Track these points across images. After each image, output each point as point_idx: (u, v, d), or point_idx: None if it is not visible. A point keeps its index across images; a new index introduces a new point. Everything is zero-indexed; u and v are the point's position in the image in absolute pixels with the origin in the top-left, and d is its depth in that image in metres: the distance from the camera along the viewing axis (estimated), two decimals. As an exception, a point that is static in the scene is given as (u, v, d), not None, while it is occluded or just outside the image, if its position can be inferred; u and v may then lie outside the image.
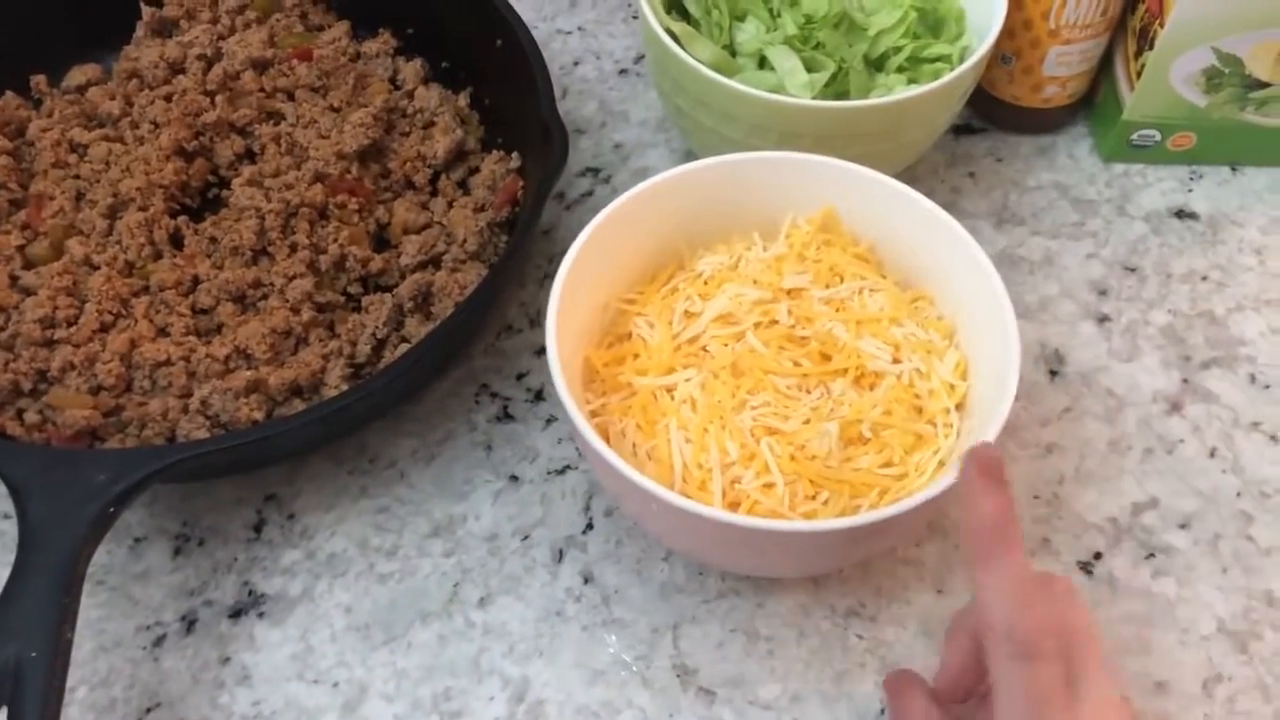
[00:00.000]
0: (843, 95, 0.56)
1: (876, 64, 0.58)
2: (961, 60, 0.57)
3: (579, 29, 0.69)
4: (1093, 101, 0.64)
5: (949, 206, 0.61)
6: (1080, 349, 0.56)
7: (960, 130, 0.64)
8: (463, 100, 0.61)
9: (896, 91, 0.55)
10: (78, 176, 0.57)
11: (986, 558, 0.36)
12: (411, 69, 0.62)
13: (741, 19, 0.58)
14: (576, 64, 0.67)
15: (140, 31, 0.63)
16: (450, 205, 0.57)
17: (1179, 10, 0.54)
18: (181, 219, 0.56)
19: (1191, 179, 0.63)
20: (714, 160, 0.50)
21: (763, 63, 0.57)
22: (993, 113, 0.64)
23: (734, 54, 0.57)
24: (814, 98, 0.55)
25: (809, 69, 0.55)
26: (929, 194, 0.59)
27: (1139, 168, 0.63)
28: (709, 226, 0.51)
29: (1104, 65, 0.62)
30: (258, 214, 0.55)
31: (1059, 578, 0.36)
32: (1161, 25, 0.56)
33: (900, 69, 0.57)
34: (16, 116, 0.59)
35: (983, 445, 0.38)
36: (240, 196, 0.56)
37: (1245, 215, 0.61)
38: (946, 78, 0.52)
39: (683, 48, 0.55)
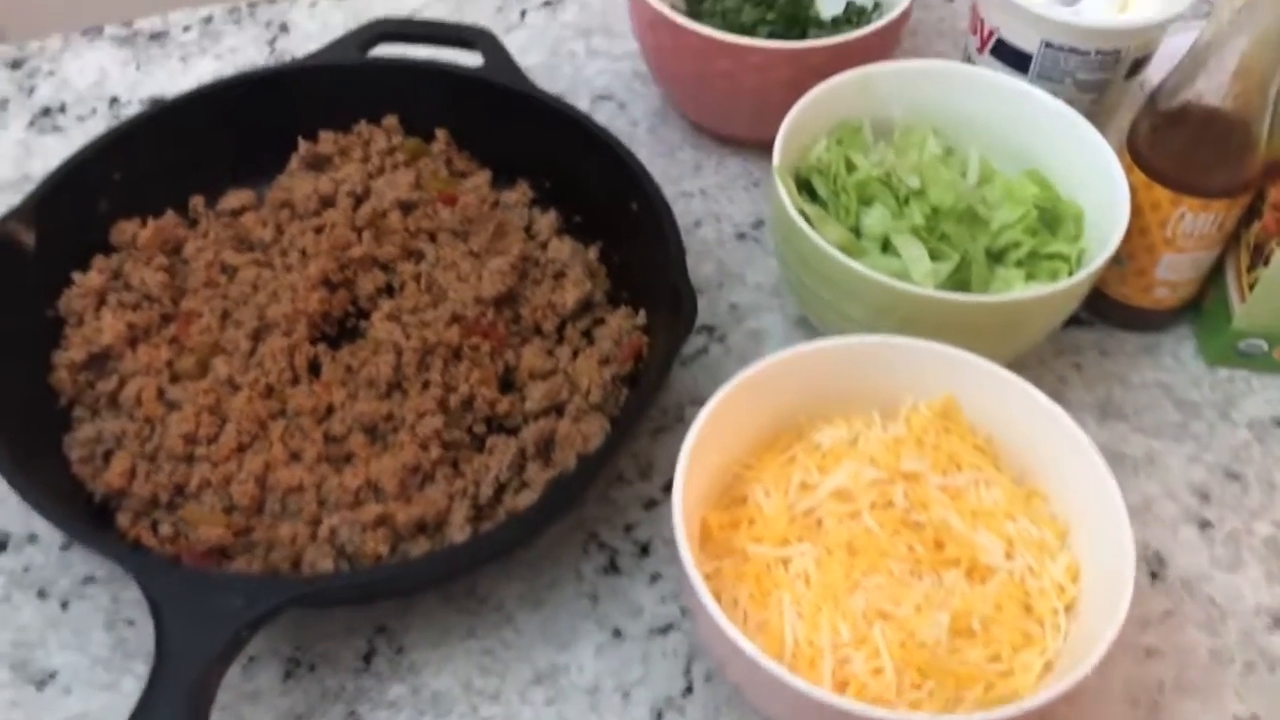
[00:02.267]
0: (963, 284, 0.58)
1: (996, 256, 0.60)
2: (1079, 261, 0.59)
3: (701, 192, 0.72)
4: (1200, 305, 0.65)
5: (1054, 396, 0.62)
6: (1182, 553, 0.57)
7: (1068, 321, 0.66)
8: (593, 254, 0.64)
9: (1016, 289, 0.57)
10: (226, 296, 0.60)
11: None
12: (547, 221, 0.65)
13: (869, 204, 0.60)
14: (698, 225, 0.70)
15: (294, 164, 0.67)
16: (575, 355, 0.60)
17: (1297, 233, 0.56)
18: (321, 346, 0.59)
19: (1296, 390, 0.64)
20: (839, 340, 0.52)
21: (885, 246, 0.59)
22: (1101, 307, 0.65)
23: (858, 236, 0.60)
24: (937, 285, 0.57)
25: (933, 258, 0.57)
26: (1035, 382, 0.61)
27: (1243, 374, 0.64)
28: (829, 401, 0.53)
29: (1215, 272, 0.64)
30: (396, 349, 0.57)
31: None
32: (1278, 244, 0.57)
33: (1019, 263, 0.60)
34: (175, 235, 0.63)
35: None
36: (379, 330, 0.59)
37: (1350, 432, 0.62)
38: (1065, 283, 0.54)
39: (812, 226, 0.57)
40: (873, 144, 0.63)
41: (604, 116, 0.76)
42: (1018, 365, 0.62)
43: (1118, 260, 0.62)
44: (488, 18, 0.82)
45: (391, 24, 0.69)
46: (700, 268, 0.68)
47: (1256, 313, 0.61)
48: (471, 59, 0.68)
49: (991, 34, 0.65)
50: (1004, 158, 0.64)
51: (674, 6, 0.76)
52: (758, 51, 0.65)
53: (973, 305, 0.54)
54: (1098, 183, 0.59)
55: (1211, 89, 0.55)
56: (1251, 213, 0.60)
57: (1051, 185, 0.62)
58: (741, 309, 0.66)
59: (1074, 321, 0.66)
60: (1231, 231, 0.61)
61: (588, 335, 0.61)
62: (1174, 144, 0.58)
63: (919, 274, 0.56)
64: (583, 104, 0.77)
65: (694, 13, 0.76)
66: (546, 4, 0.84)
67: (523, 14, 0.83)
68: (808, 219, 0.57)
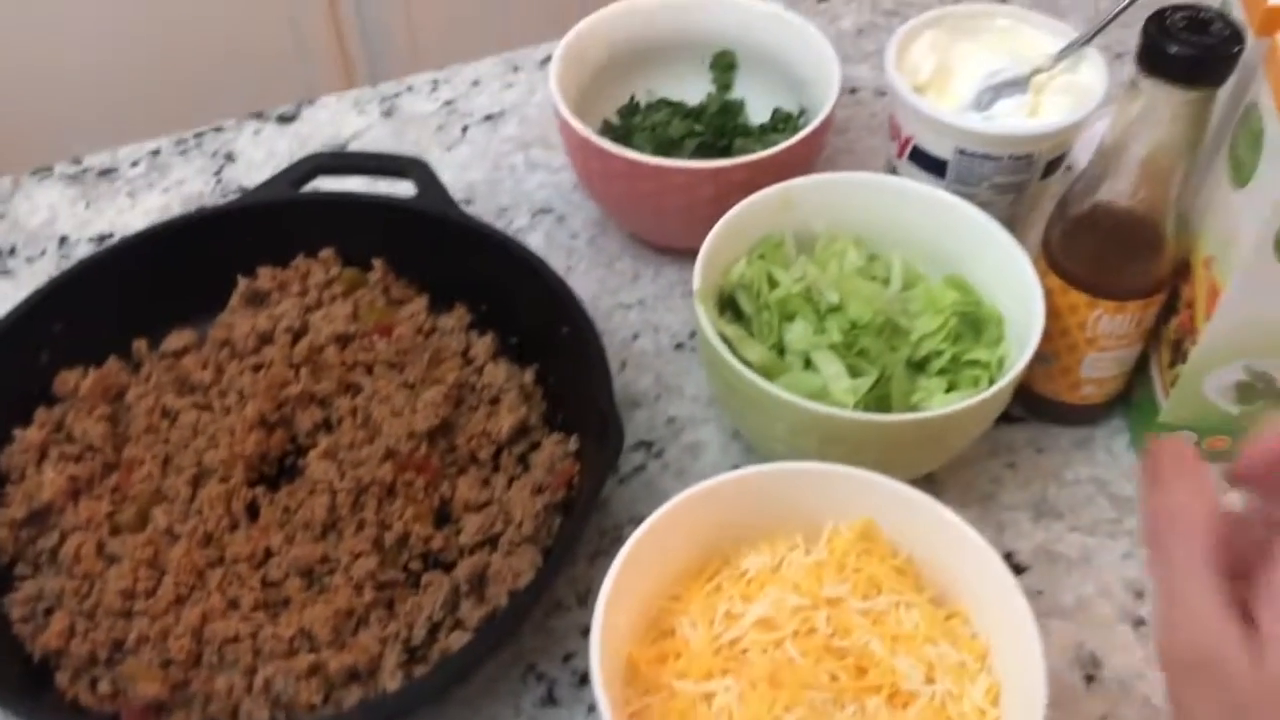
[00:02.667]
0: (884, 398, 0.59)
1: (918, 365, 0.61)
2: (1000, 365, 0.60)
3: (640, 303, 0.73)
4: (1130, 398, 0.66)
5: (989, 498, 0.63)
6: (1117, 653, 0.57)
7: (1001, 419, 0.67)
8: (528, 377, 0.65)
9: (936, 399, 0.58)
10: (167, 441, 0.62)
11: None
12: (483, 344, 0.66)
13: (791, 319, 0.61)
14: (635, 337, 0.72)
15: (235, 300, 0.68)
16: (510, 482, 0.61)
17: (1210, 334, 0.57)
18: (259, 489, 0.60)
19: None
20: (762, 468, 0.53)
21: (808, 362, 0.60)
22: (1033, 404, 0.66)
23: (783, 351, 0.61)
24: (857, 402, 0.58)
25: (852, 374, 0.58)
26: (969, 484, 0.61)
27: (1177, 464, 0.65)
28: (754, 527, 0.54)
29: (1140, 366, 0.64)
30: (330, 490, 0.58)
31: None
32: (1194, 343, 0.58)
33: (941, 371, 0.60)
34: (118, 382, 0.64)
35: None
36: (316, 470, 0.60)
37: None
38: (981, 395, 0.55)
39: (734, 349, 0.58)
40: (795, 257, 0.64)
41: (544, 229, 0.78)
42: (951, 467, 0.64)
43: (1043, 360, 0.63)
44: (430, 135, 0.84)
45: (325, 158, 0.71)
46: (639, 381, 0.69)
47: (1180, 408, 0.61)
48: (406, 187, 0.70)
49: (908, 141, 0.67)
50: (927, 263, 0.65)
51: (607, 121, 0.78)
52: (681, 172, 0.66)
53: (888, 424, 0.55)
54: (1014, 287, 0.61)
55: (1116, 193, 0.57)
56: (1169, 309, 0.61)
57: (973, 290, 0.63)
58: (679, 421, 0.67)
59: (1006, 419, 0.67)
60: (1151, 328, 0.62)
61: (523, 460, 0.62)
62: (1085, 248, 0.59)
63: (838, 391, 0.57)
64: (523, 218, 0.78)
65: (626, 127, 0.78)
66: (487, 118, 0.86)
67: (464, 130, 0.85)
68: (729, 341, 0.59)
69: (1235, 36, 0.50)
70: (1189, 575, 0.35)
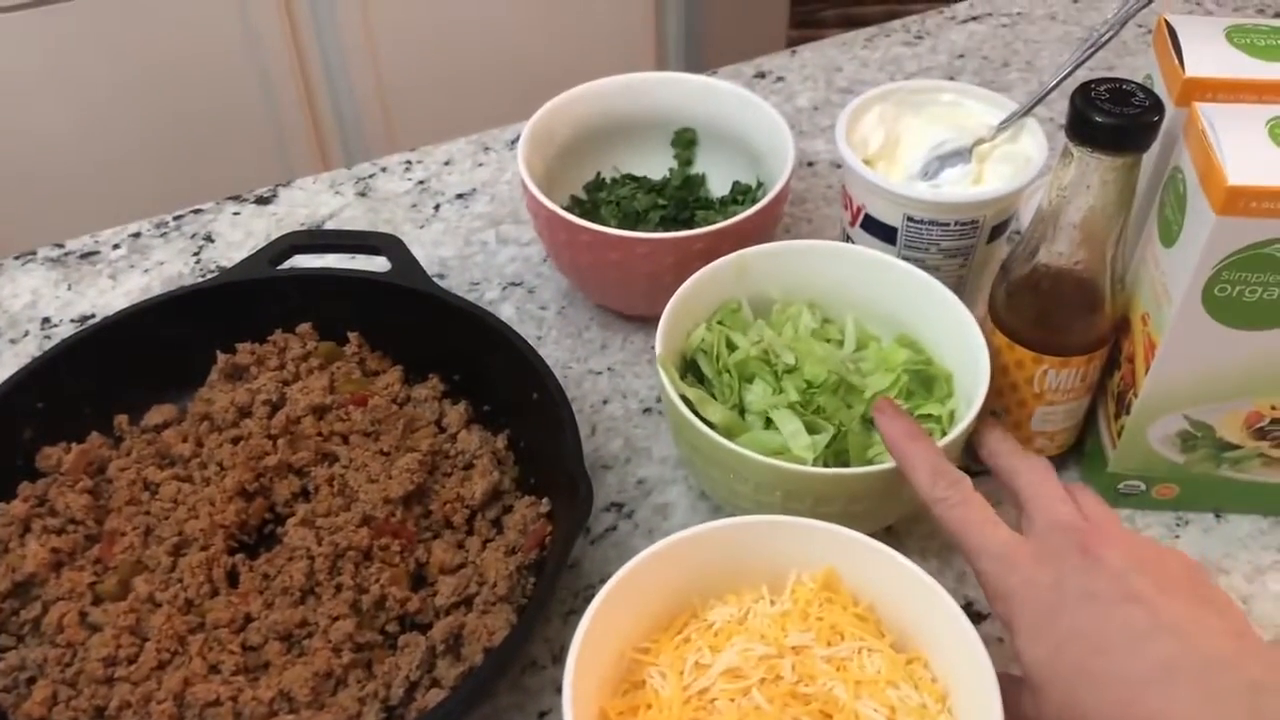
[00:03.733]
0: (842, 452, 0.61)
1: (873, 421, 0.63)
2: (951, 420, 0.63)
3: (609, 369, 0.76)
4: (1083, 449, 0.69)
5: (948, 548, 0.65)
6: (1076, 697, 0.59)
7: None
8: (501, 442, 0.67)
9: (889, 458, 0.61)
10: (148, 513, 0.63)
11: (905, 452, 0.56)
12: (456, 413, 0.68)
13: (750, 381, 0.64)
14: (605, 403, 0.74)
15: (214, 375, 0.70)
16: (484, 545, 0.62)
17: (1150, 385, 0.60)
18: (239, 556, 0.61)
19: (1178, 525, 0.67)
20: (726, 522, 0.55)
21: (769, 422, 0.63)
22: (988, 458, 0.69)
23: (743, 412, 0.63)
24: (816, 458, 0.60)
25: (811, 431, 0.61)
26: (929, 535, 0.63)
27: (1127, 513, 0.67)
28: (721, 579, 0.56)
29: (1089, 417, 0.67)
30: (308, 556, 0.60)
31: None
32: (1136, 395, 0.61)
33: (896, 426, 0.63)
34: (100, 455, 0.66)
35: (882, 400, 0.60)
36: (294, 537, 0.61)
37: (1230, 562, 0.65)
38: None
39: (697, 411, 0.61)
40: (752, 321, 0.67)
41: (515, 301, 0.80)
42: (911, 520, 0.66)
43: (995, 414, 0.66)
44: (403, 213, 0.87)
45: (301, 235, 0.73)
46: (609, 444, 0.72)
47: (1127, 458, 0.64)
48: (381, 262, 0.73)
49: (860, 209, 0.70)
50: (878, 324, 0.68)
51: (574, 197, 0.82)
52: (645, 242, 0.69)
53: (847, 477, 0.57)
54: (961, 345, 0.63)
55: (1055, 255, 0.60)
56: (1112, 363, 0.64)
57: (923, 348, 0.66)
58: (649, 483, 0.69)
59: (965, 472, 0.69)
60: (1097, 381, 0.65)
61: (497, 524, 0.64)
62: (1029, 308, 0.62)
63: (798, 448, 0.60)
64: (494, 291, 0.81)
65: (593, 201, 0.81)
66: (459, 197, 0.89)
67: (436, 208, 0.88)
68: (691, 404, 0.61)
69: (1156, 106, 0.54)
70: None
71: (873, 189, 0.68)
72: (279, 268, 0.72)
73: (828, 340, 0.67)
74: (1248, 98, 0.57)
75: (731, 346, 0.65)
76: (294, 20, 1.46)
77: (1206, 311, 0.56)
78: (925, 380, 0.65)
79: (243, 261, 0.72)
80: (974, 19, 1.07)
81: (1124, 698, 0.45)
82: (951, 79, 0.99)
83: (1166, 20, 0.61)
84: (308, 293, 0.71)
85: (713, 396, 0.64)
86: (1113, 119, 0.54)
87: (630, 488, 0.69)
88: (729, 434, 0.59)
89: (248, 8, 1.41)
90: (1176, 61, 0.58)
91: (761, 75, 1.00)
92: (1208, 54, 0.58)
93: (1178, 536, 0.66)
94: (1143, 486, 0.66)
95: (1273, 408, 0.60)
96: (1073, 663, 0.47)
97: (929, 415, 0.63)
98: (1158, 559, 0.49)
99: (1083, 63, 0.69)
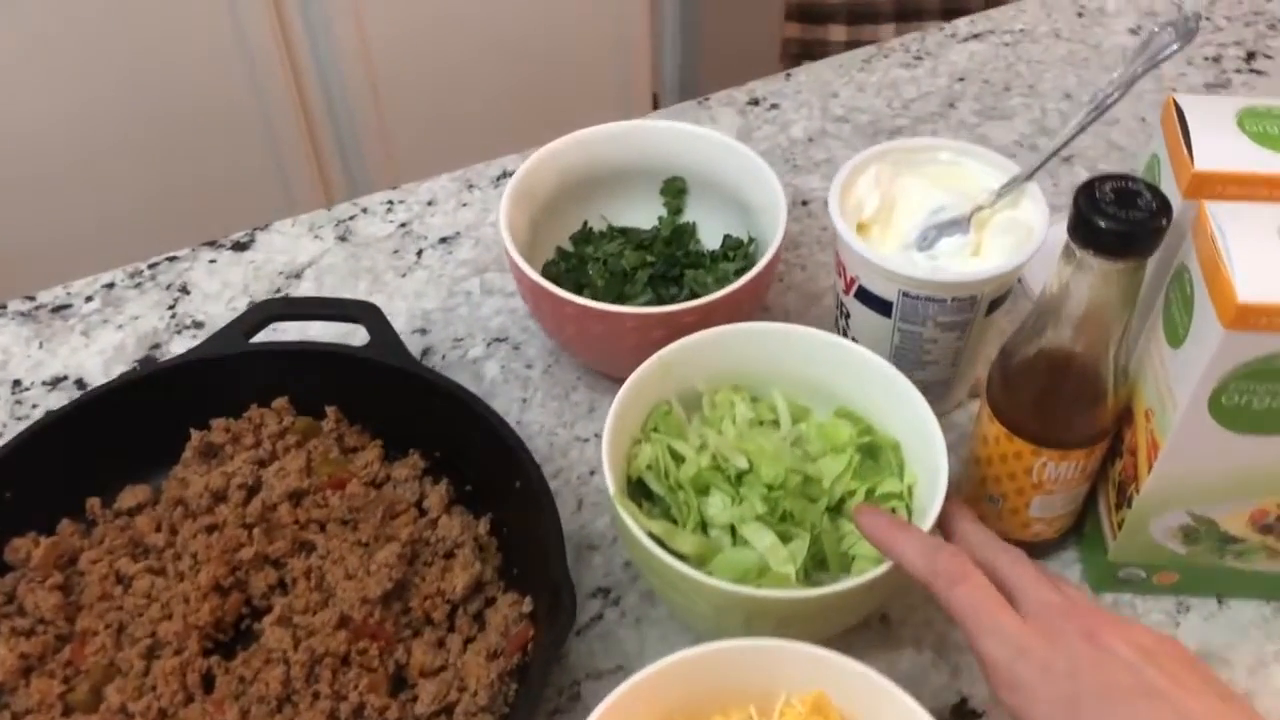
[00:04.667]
0: (818, 553, 0.59)
1: (836, 509, 0.62)
2: (911, 494, 0.61)
3: (595, 436, 0.74)
4: (1082, 530, 0.67)
5: (944, 639, 0.64)
6: (1072, 803, 0.58)
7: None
8: (483, 527, 0.65)
9: (865, 549, 0.59)
10: (121, 608, 0.61)
11: (894, 542, 0.54)
12: (437, 494, 0.66)
13: (706, 493, 0.62)
14: (593, 473, 0.72)
15: (188, 453, 0.68)
16: (466, 644, 0.61)
17: (1152, 485, 0.58)
18: (214, 659, 0.60)
19: (1179, 611, 0.65)
20: (713, 647, 0.53)
21: (734, 530, 0.60)
22: (985, 539, 0.67)
23: (706, 526, 0.61)
24: (798, 569, 0.58)
25: (784, 539, 0.59)
26: (926, 623, 0.63)
27: (1127, 598, 0.65)
28: (707, 702, 0.54)
29: (1090, 502, 0.65)
30: (284, 661, 0.58)
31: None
32: (1138, 490, 0.59)
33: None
34: (70, 545, 0.64)
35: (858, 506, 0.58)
36: (270, 638, 0.60)
37: (1233, 653, 0.63)
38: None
39: (664, 545, 0.58)
40: (686, 421, 0.65)
41: (499, 359, 0.78)
42: (908, 606, 0.64)
43: (991, 499, 0.64)
44: (385, 260, 0.85)
45: (277, 305, 0.71)
46: (595, 521, 0.70)
47: (1128, 548, 0.62)
48: (359, 330, 0.70)
49: (854, 280, 0.67)
50: (808, 396, 0.67)
51: (560, 249, 0.79)
52: (632, 317, 0.67)
53: (843, 593, 0.55)
54: (906, 415, 0.62)
55: (1055, 346, 0.57)
56: (1113, 452, 0.62)
57: (860, 416, 0.64)
58: (636, 566, 0.67)
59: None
60: (1097, 470, 0.62)
61: (479, 618, 0.62)
62: (1027, 398, 0.60)
63: (777, 563, 0.58)
64: (478, 348, 0.79)
65: (580, 255, 0.78)
66: (442, 241, 0.86)
67: (419, 254, 0.85)
68: (658, 539, 0.58)
69: (1162, 210, 0.51)
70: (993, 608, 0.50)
71: (865, 264, 0.65)
72: (254, 339, 0.69)
73: (762, 423, 0.65)
74: (1260, 193, 0.54)
75: (677, 457, 0.62)
76: (284, 24, 1.42)
77: (1213, 417, 0.54)
78: (871, 451, 0.63)
79: (218, 334, 0.69)
80: (975, 36, 1.03)
81: None
82: (952, 105, 0.95)
83: (1176, 102, 0.58)
84: (282, 366, 0.69)
85: (669, 517, 0.61)
86: (1117, 224, 0.51)
87: (617, 570, 0.67)
88: (701, 561, 0.57)
89: (237, 9, 1.38)
90: (1185, 151, 0.56)
91: (755, 102, 0.97)
92: (1218, 144, 0.56)
93: (1178, 624, 0.64)
94: (1143, 574, 0.64)
95: (1279, 505, 0.58)
96: None
97: (890, 494, 0.61)
98: (1160, 648, 0.48)
99: (1087, 126, 0.66)
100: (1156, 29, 0.62)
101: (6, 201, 1.37)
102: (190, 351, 0.69)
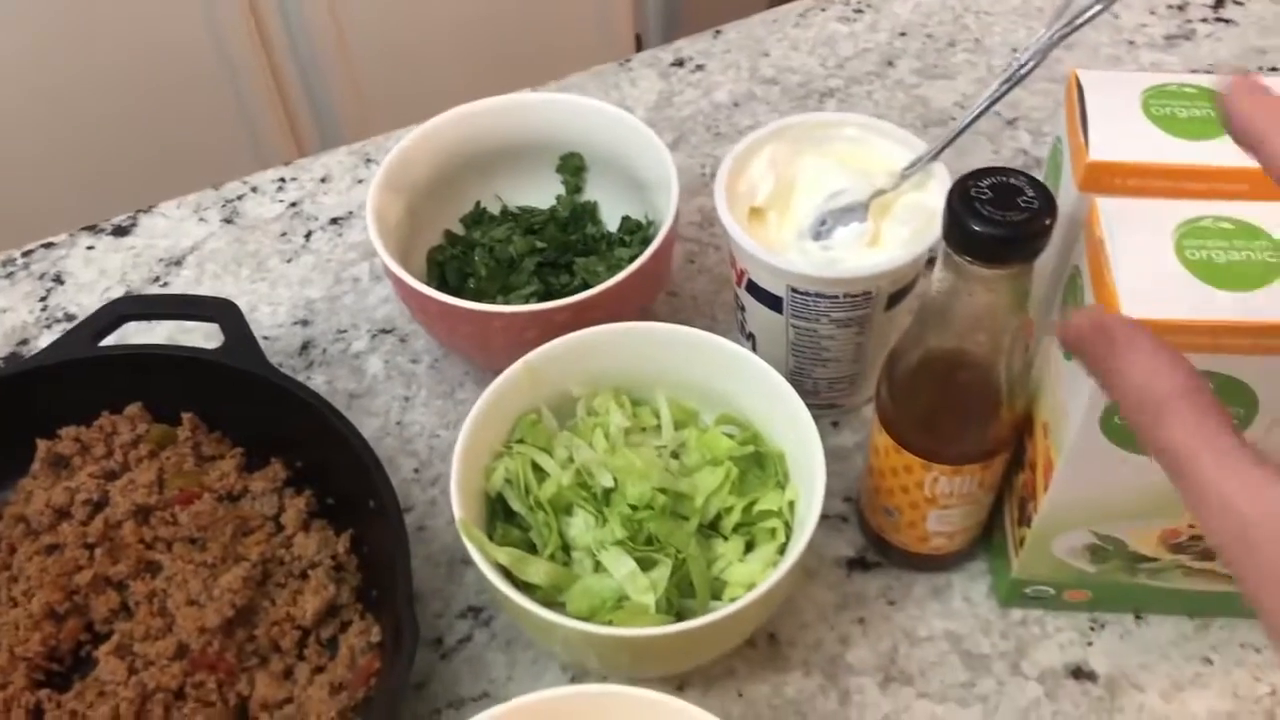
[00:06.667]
0: (685, 578, 0.54)
1: (711, 526, 0.57)
2: (792, 510, 0.57)
3: (480, 437, 0.69)
4: (989, 540, 0.62)
5: (835, 660, 0.59)
6: (960, 846, 0.53)
7: (854, 564, 0.63)
8: (342, 545, 0.61)
9: (736, 571, 0.55)
10: (-49, 637, 0.58)
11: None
12: (295, 508, 0.62)
13: (569, 513, 0.57)
14: (473, 479, 0.67)
15: (36, 465, 0.64)
16: (315, 674, 0.57)
17: (1048, 506, 0.53)
18: (45, 692, 0.56)
19: (1093, 629, 0.60)
20: (576, 688, 0.49)
21: (598, 561, 0.56)
22: (886, 551, 0.62)
23: (568, 548, 0.57)
24: (659, 597, 0.53)
25: (645, 566, 0.54)
26: (816, 644, 0.58)
27: (1037, 615, 0.61)
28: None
29: (996, 512, 0.60)
30: (115, 696, 0.54)
31: None
32: (1035, 509, 0.54)
33: (736, 528, 0.57)
34: (-99, 569, 0.60)
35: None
36: (104, 669, 0.56)
37: (1147, 676, 0.58)
38: (783, 567, 0.50)
39: (514, 576, 0.54)
40: (557, 430, 0.60)
41: (384, 353, 0.73)
42: (799, 625, 0.60)
43: (888, 512, 0.59)
44: (271, 243, 0.80)
45: (128, 304, 0.66)
46: (473, 531, 0.65)
47: (1032, 566, 0.57)
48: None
49: (744, 273, 0.62)
50: (695, 398, 0.62)
51: (449, 232, 0.74)
52: (500, 316, 0.62)
53: (701, 629, 0.50)
54: (790, 424, 0.57)
55: (941, 354, 0.52)
56: (1016, 463, 0.57)
57: (747, 423, 0.60)
58: (502, 586, 0.63)
59: (860, 565, 0.63)
60: (997, 484, 0.57)
61: (332, 643, 0.58)
62: (915, 411, 0.54)
63: (636, 593, 0.53)
64: (362, 340, 0.74)
65: (468, 241, 0.73)
66: (333, 222, 0.81)
67: (308, 235, 0.80)
68: (506, 569, 0.54)
69: (1045, 209, 0.45)
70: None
71: (751, 257, 0.59)
72: (104, 341, 0.65)
73: (644, 429, 0.60)
74: (1160, 187, 0.48)
75: (540, 473, 0.57)
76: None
77: (1105, 436, 0.48)
78: (758, 459, 0.59)
79: (65, 337, 0.65)
80: (922, -14, 0.96)
81: None
82: (890, 64, 0.89)
83: (1078, 78, 0.52)
84: (133, 370, 0.64)
85: (528, 540, 0.57)
86: (993, 227, 0.45)
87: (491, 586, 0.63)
88: (557, 589, 0.53)
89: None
90: (1082, 136, 0.49)
91: (680, 63, 0.90)
92: (1119, 129, 0.49)
93: (1091, 643, 0.59)
94: (1052, 591, 0.59)
95: (1190, 526, 0.53)
96: None
97: (768, 511, 0.56)
98: None
99: (999, 98, 0.59)
100: (1074, -12, 0.56)
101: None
102: (34, 357, 0.65)
